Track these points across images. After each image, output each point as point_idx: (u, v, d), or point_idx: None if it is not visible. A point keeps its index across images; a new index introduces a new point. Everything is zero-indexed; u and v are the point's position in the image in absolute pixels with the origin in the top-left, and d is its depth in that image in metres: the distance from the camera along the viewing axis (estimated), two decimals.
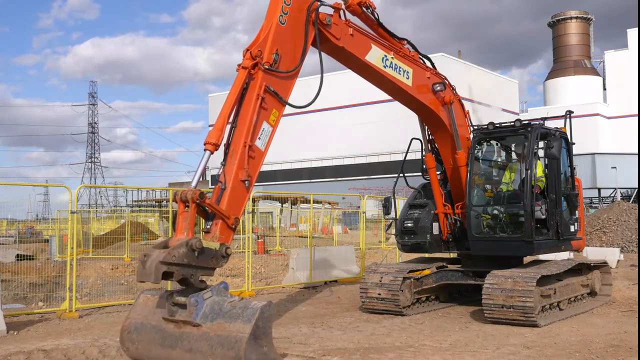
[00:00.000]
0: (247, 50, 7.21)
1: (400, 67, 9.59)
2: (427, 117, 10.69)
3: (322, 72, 7.97)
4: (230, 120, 7.02)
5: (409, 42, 10.03)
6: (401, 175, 11.28)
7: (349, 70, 9.39)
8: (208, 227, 6.62)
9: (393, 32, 9.71)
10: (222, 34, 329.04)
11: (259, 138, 7.13)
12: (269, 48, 7.25)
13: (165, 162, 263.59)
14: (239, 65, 7.18)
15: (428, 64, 10.40)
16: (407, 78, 9.73)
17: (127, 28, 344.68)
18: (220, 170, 6.86)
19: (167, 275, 6.04)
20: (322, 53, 8.20)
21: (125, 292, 13.44)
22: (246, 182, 6.86)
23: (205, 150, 6.73)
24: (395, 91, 9.86)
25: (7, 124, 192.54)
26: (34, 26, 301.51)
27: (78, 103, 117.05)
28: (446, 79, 10.49)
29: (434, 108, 10.30)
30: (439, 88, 10.26)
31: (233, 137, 6.97)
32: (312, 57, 8.10)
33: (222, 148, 6.93)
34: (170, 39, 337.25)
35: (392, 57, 9.41)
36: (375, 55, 9.11)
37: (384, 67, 9.26)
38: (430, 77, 10.26)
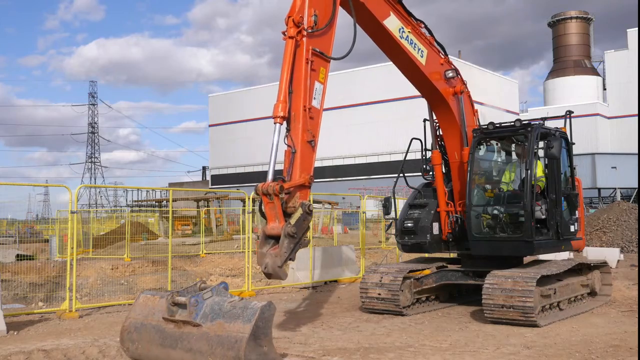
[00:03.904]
0: (289, 17, 7.64)
1: (415, 44, 9.67)
2: (437, 104, 10.70)
3: (355, 24, 8.35)
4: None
5: (426, 27, 10.04)
6: (401, 175, 11.28)
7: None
8: (287, 179, 7.35)
9: (412, 12, 9.72)
10: (227, 35, 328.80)
11: (314, 98, 7.78)
12: (308, 11, 7.75)
13: (167, 162, 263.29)
14: (284, 33, 7.71)
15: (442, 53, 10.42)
16: (422, 56, 9.80)
17: (132, 29, 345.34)
18: (286, 134, 7.54)
19: (286, 261, 7.15)
20: (345, 13, 8.52)
21: (125, 292, 13.43)
22: (312, 142, 7.64)
23: (275, 123, 7.38)
24: (409, 66, 9.87)
25: (10, 124, 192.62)
26: (39, 27, 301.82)
27: (78, 103, 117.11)
28: (458, 71, 10.50)
29: (445, 95, 10.35)
30: (450, 74, 10.35)
31: (292, 102, 7.59)
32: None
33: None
34: (174, 40, 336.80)
35: (409, 32, 9.51)
36: (393, 24, 9.24)
37: (400, 37, 9.35)
38: (443, 64, 10.34)
